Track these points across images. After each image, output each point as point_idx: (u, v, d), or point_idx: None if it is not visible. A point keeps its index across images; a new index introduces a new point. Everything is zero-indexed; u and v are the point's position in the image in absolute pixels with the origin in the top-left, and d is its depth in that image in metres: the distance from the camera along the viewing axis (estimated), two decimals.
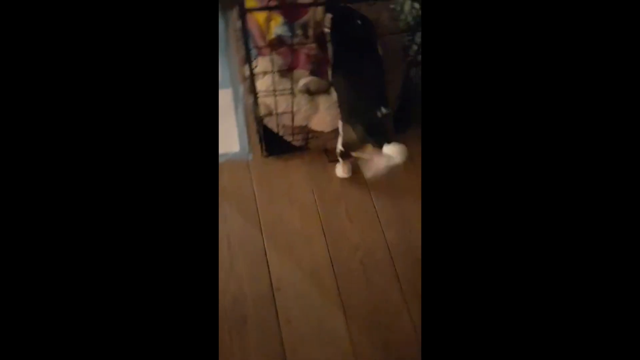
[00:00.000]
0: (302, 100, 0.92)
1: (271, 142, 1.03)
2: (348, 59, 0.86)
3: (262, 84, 0.93)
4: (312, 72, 1.09)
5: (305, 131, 1.00)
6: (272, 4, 1.11)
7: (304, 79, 0.92)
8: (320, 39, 1.09)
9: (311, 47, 1.10)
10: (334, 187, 1.06)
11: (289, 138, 1.03)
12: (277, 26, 1.05)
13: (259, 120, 0.96)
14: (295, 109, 0.91)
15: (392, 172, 0.95)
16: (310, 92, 0.96)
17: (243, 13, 0.67)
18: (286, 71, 0.98)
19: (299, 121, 0.95)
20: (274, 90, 0.83)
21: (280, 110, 0.90)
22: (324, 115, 0.95)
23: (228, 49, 1.26)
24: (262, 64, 0.97)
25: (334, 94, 0.96)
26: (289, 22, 1.11)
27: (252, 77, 0.80)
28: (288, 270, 0.94)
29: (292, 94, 0.85)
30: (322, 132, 1.00)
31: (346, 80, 0.84)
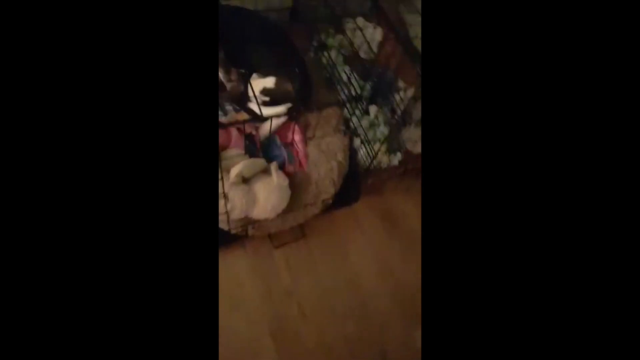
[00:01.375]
0: (236, 195, 0.78)
1: None
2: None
3: None
4: (247, 148, 0.97)
5: (245, 222, 0.87)
6: None
7: (236, 168, 0.79)
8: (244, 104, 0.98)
9: (242, 119, 0.98)
10: (282, 278, 0.93)
11: (224, 227, 0.89)
12: None
13: None
14: (229, 207, 0.77)
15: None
16: (245, 180, 0.83)
17: None
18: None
19: (236, 216, 0.82)
20: None
21: None
22: (265, 204, 0.83)
23: None
24: None
25: (274, 176, 0.85)
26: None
27: None
28: None
29: (225, 197, 0.72)
30: (265, 220, 0.88)
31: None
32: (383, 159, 1.00)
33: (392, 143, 1.00)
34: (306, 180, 0.93)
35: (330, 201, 0.95)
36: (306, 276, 0.95)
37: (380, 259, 1.00)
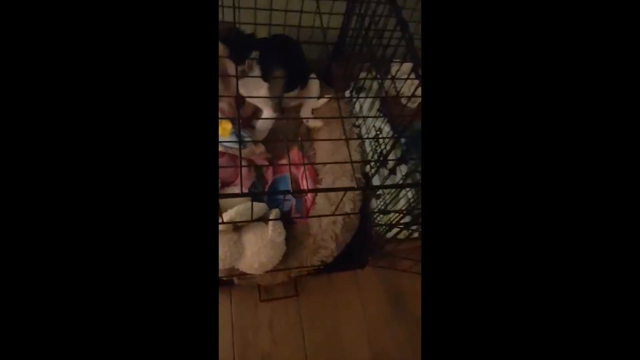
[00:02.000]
0: (221, 245, 0.71)
1: None
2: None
3: None
4: (253, 186, 0.91)
5: (230, 272, 0.80)
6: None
7: (229, 212, 0.72)
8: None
9: (258, 154, 0.92)
10: (262, 337, 0.84)
11: None
12: (222, 136, 0.87)
13: None
14: None
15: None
16: (236, 227, 0.76)
17: None
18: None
19: (219, 265, 0.75)
20: None
21: None
22: (252, 260, 0.74)
23: None
24: None
25: (270, 229, 0.76)
26: (243, 126, 0.93)
27: None
28: None
29: None
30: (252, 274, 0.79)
31: None
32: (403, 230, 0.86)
33: (416, 212, 0.86)
34: (305, 231, 0.83)
35: (330, 259, 0.84)
36: (288, 341, 0.84)
37: (377, 342, 0.86)
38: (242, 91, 0.84)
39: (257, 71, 0.79)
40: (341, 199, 0.81)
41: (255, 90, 0.82)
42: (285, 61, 0.84)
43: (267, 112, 0.88)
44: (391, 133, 0.92)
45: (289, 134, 1.00)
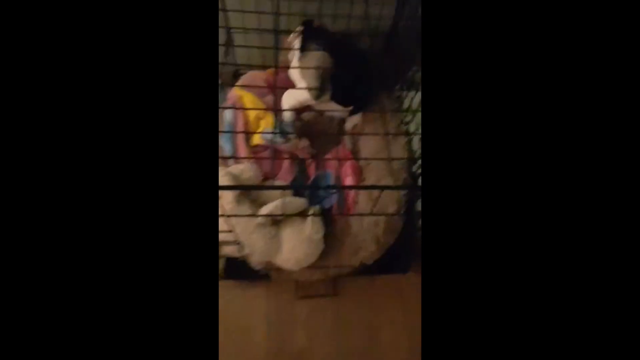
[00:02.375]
0: (258, 239, 0.71)
1: (229, 263, 0.84)
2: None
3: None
4: (295, 180, 0.90)
5: (268, 266, 0.79)
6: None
7: (268, 206, 0.72)
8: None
9: (302, 148, 0.91)
10: (298, 334, 0.83)
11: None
12: (266, 128, 0.87)
13: None
14: (248, 250, 0.71)
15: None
16: (275, 221, 0.75)
17: None
18: (256, 187, 0.79)
19: (256, 260, 0.75)
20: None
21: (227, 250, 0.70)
22: (289, 256, 0.74)
23: None
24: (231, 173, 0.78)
25: (308, 225, 0.75)
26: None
27: None
28: None
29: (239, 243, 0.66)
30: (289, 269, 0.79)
31: None
32: None
33: None
34: (345, 230, 0.80)
35: (371, 261, 0.81)
36: (324, 340, 0.82)
37: (414, 350, 0.81)
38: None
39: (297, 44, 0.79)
40: (378, 197, 0.77)
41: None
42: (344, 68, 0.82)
43: (299, 87, 0.85)
44: None
45: (334, 129, 0.98)
